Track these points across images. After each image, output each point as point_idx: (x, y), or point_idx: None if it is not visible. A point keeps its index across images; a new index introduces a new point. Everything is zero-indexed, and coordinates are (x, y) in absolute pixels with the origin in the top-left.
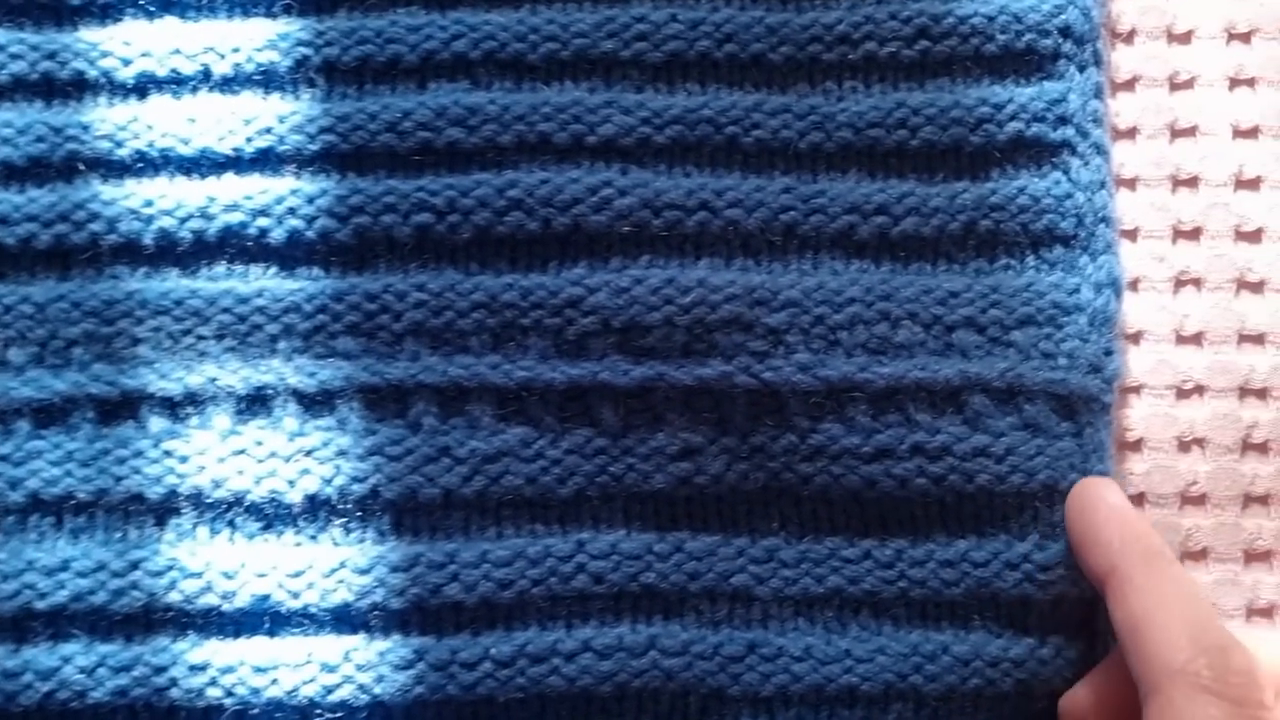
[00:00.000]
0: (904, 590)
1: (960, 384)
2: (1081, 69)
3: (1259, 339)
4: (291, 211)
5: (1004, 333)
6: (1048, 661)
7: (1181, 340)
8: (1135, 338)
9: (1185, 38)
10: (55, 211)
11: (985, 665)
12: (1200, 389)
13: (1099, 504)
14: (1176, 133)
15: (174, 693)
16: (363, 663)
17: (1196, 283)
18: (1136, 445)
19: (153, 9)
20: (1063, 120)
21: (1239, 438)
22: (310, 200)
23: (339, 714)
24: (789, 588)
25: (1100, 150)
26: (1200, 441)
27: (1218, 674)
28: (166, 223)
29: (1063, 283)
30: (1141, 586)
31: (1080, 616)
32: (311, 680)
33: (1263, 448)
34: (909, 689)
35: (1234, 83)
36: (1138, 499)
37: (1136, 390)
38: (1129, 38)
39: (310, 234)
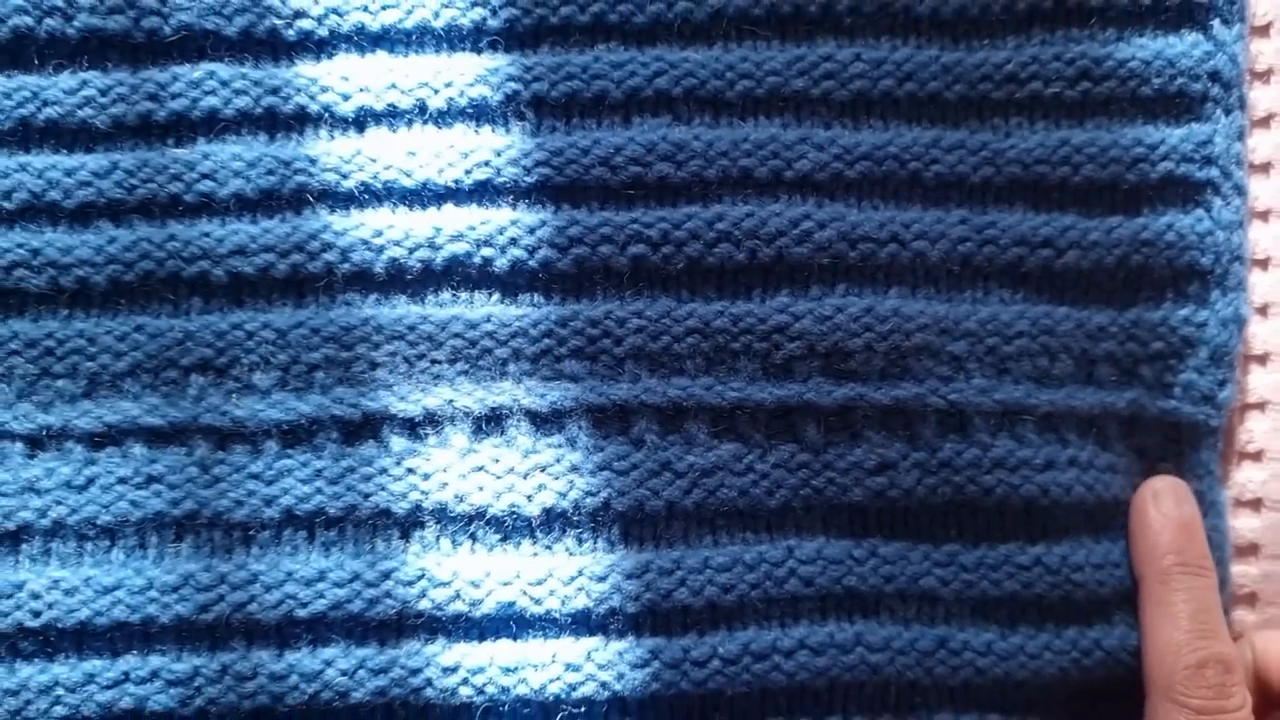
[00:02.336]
0: (1067, 593)
1: (1098, 413)
2: (1227, 112)
3: None
4: (514, 242)
5: (1135, 366)
6: None
7: None
8: (1262, 359)
9: None
10: (290, 242)
11: (1129, 655)
12: None
13: (1145, 512)
14: None
15: (429, 693)
16: (603, 662)
17: None
18: (1258, 456)
19: (364, 44)
20: (1208, 161)
21: None
22: (530, 231)
23: (581, 709)
24: (969, 590)
25: (1240, 190)
26: None
27: (1188, 690)
28: (396, 252)
29: (1193, 316)
30: (1147, 603)
31: None
32: (557, 679)
33: None
34: (1069, 680)
35: None
36: (1254, 504)
37: (1260, 407)
38: (1265, 76)
39: (532, 263)
